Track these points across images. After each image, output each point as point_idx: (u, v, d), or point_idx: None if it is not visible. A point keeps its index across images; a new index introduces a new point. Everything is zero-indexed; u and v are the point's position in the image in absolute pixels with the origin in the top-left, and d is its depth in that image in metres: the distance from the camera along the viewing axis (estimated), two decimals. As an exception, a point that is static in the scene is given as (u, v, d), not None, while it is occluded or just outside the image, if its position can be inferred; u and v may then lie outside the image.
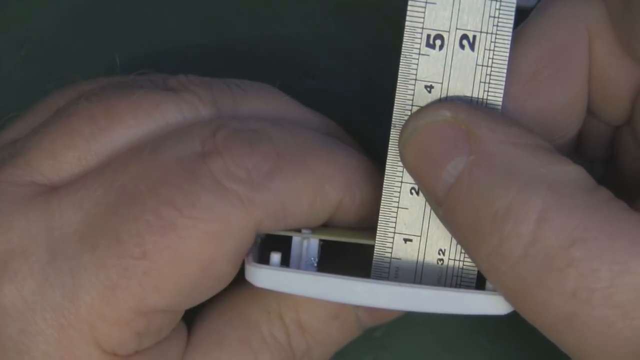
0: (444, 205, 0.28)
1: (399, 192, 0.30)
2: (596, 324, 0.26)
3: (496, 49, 0.29)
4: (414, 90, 0.30)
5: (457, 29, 0.29)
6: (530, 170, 0.27)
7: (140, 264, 0.28)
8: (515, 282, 0.27)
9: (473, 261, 0.29)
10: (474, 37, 0.29)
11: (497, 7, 0.29)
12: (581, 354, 0.27)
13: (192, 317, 0.32)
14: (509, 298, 0.28)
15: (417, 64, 0.29)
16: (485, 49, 0.29)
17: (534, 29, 0.31)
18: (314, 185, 0.31)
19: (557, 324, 0.27)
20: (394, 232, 0.30)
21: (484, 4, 0.29)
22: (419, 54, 0.29)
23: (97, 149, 0.30)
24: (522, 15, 0.31)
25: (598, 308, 0.26)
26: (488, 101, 0.29)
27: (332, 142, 0.32)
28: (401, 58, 0.30)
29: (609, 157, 0.34)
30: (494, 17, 0.29)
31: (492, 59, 0.29)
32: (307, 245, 0.31)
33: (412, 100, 0.30)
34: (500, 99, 0.29)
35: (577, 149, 0.33)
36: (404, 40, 0.29)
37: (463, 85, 0.29)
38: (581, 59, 0.31)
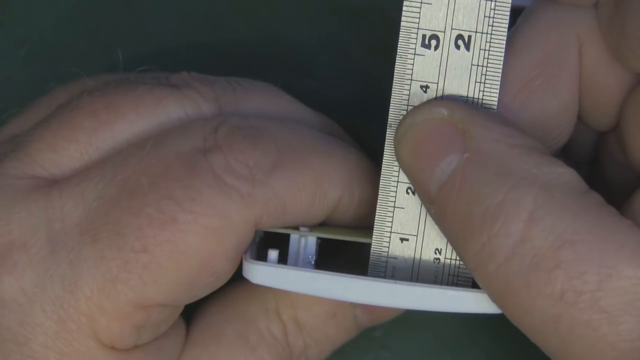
0: (435, 202, 0.29)
1: (395, 191, 0.30)
2: (581, 328, 0.26)
3: (491, 48, 0.29)
4: (409, 90, 0.30)
5: (452, 29, 0.29)
6: (523, 170, 0.27)
7: (140, 257, 0.29)
8: (501, 282, 0.27)
9: (461, 259, 0.29)
10: (469, 37, 0.29)
11: (492, 7, 0.29)
12: (564, 358, 0.27)
13: (190, 314, 0.33)
14: (495, 298, 0.28)
15: (413, 64, 0.30)
16: (480, 49, 0.29)
17: (523, 38, 0.31)
18: (314, 183, 0.31)
19: (542, 326, 0.27)
20: (391, 232, 0.30)
21: (479, 4, 0.29)
22: (415, 54, 0.30)
23: (98, 143, 0.31)
24: (517, 15, 0.31)
25: (584, 311, 0.26)
26: (483, 101, 0.30)
27: (332, 141, 0.32)
28: (397, 58, 0.30)
29: (594, 159, 0.34)
30: (489, 17, 0.29)
31: (488, 59, 0.29)
32: (305, 243, 0.31)
33: (408, 100, 0.30)
34: (496, 99, 0.30)
35: (562, 150, 0.34)
36: (400, 40, 0.30)
37: (458, 85, 0.30)
38: (572, 67, 0.31)
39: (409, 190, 0.30)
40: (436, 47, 0.30)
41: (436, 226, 0.30)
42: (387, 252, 0.30)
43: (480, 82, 0.30)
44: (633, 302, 0.26)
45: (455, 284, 0.30)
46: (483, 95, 0.30)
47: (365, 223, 0.32)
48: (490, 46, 0.29)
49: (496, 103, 0.30)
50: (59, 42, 0.39)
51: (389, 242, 0.30)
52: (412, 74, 0.30)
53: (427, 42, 0.30)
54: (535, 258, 0.27)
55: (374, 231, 0.30)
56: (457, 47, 0.30)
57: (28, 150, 0.30)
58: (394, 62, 0.30)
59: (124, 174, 0.29)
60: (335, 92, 0.38)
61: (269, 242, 0.31)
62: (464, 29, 0.29)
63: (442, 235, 0.30)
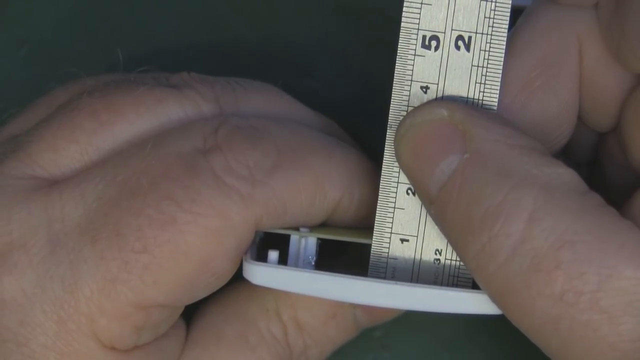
0: (435, 203, 0.29)
1: (396, 192, 0.30)
2: (581, 328, 0.26)
3: (491, 49, 0.29)
4: (409, 91, 0.30)
5: (452, 29, 0.30)
6: (523, 170, 0.27)
7: (140, 257, 0.29)
8: (502, 282, 0.27)
9: (462, 260, 0.29)
10: (470, 38, 0.29)
11: (492, 7, 0.29)
12: (565, 358, 0.27)
13: (190, 314, 0.33)
14: (495, 298, 0.28)
15: (413, 65, 0.30)
16: (480, 50, 0.30)
17: (524, 39, 0.31)
18: (314, 183, 0.31)
19: (542, 327, 0.27)
20: (391, 232, 0.30)
21: (479, 5, 0.29)
22: (415, 54, 0.30)
23: (98, 143, 0.31)
24: (517, 15, 0.31)
25: (584, 312, 0.26)
26: (483, 102, 0.30)
27: (332, 142, 0.32)
28: (397, 59, 0.30)
29: (594, 160, 0.34)
30: (489, 17, 0.29)
31: (488, 59, 0.30)
32: (305, 243, 0.31)
33: (408, 101, 0.30)
34: (496, 100, 0.30)
35: (563, 150, 0.34)
36: (400, 41, 0.30)
37: (459, 86, 0.30)
38: (572, 67, 0.31)
39: (409, 191, 0.30)
40: (436, 48, 0.30)
41: (436, 227, 0.30)
42: (388, 252, 0.30)
43: (480, 83, 0.30)
44: (633, 302, 0.26)
45: (456, 284, 0.30)
46: (483, 96, 0.30)
47: (365, 224, 0.32)
48: (490, 47, 0.29)
49: (496, 104, 0.30)
50: (59, 42, 0.39)
51: (389, 242, 0.30)
52: (412, 75, 0.30)
53: (427, 42, 0.30)
54: (535, 259, 0.27)
55: (374, 232, 0.30)
56: (457, 47, 0.30)
57: (28, 150, 0.30)
58: (394, 62, 0.30)
59: (124, 174, 0.29)
60: (335, 92, 0.38)
61: (269, 243, 0.31)
62: (464, 29, 0.29)
63: (442, 236, 0.30)
